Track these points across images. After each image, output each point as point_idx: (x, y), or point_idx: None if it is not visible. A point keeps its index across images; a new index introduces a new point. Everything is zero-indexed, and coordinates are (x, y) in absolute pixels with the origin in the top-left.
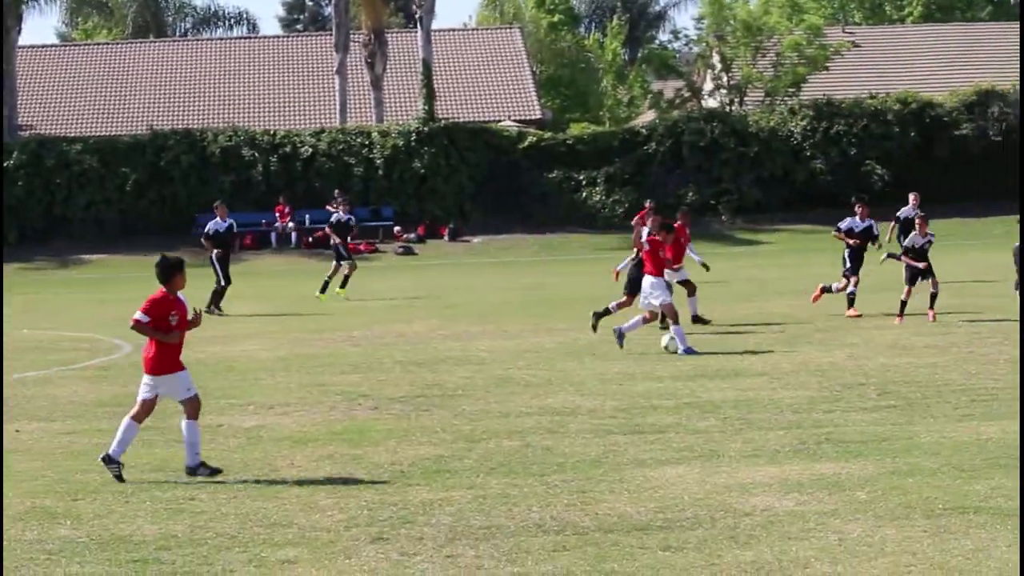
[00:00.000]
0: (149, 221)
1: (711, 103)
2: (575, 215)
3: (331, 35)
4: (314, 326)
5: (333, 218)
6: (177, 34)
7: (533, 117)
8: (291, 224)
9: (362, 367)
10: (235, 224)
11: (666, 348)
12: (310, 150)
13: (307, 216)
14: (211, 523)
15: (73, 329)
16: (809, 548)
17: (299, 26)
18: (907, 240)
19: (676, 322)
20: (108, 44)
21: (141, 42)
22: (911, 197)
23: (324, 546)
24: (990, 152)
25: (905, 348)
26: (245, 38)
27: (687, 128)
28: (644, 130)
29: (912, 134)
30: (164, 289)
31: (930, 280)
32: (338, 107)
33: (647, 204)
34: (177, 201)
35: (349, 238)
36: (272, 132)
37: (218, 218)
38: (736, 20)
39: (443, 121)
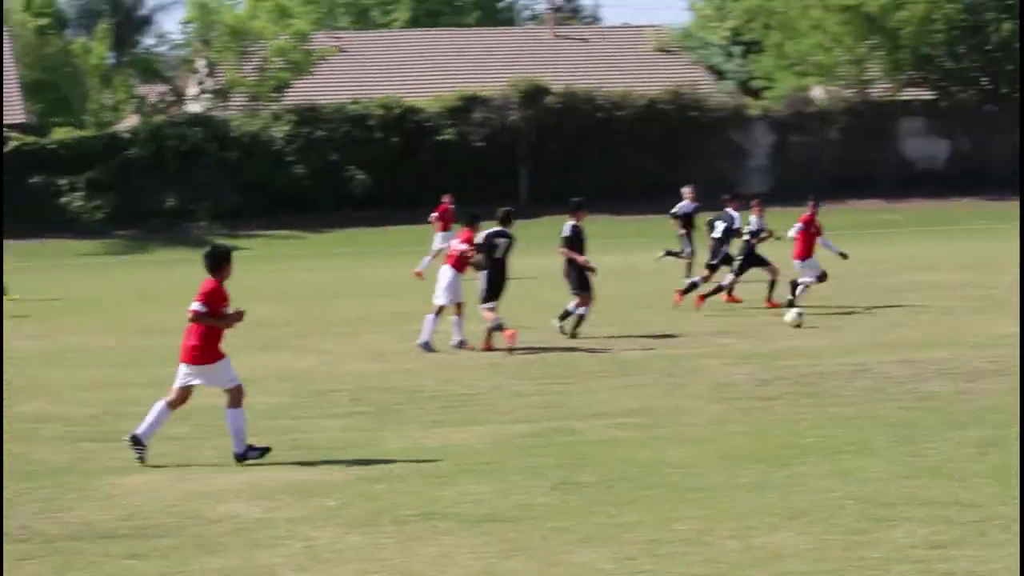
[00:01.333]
0: None
1: (196, 108)
2: (56, 221)
3: None
4: None
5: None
6: None
7: (16, 121)
8: None
9: None
10: None
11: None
12: None
13: None
14: None
15: None
16: (276, 555)
17: None
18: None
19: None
20: None
21: None
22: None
23: None
24: (473, 157)
25: (381, 354)
26: None
27: (169, 133)
28: (127, 135)
29: (394, 139)
30: (214, 279)
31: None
32: None
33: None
34: None
35: None
36: None
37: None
38: (223, 24)
39: None
